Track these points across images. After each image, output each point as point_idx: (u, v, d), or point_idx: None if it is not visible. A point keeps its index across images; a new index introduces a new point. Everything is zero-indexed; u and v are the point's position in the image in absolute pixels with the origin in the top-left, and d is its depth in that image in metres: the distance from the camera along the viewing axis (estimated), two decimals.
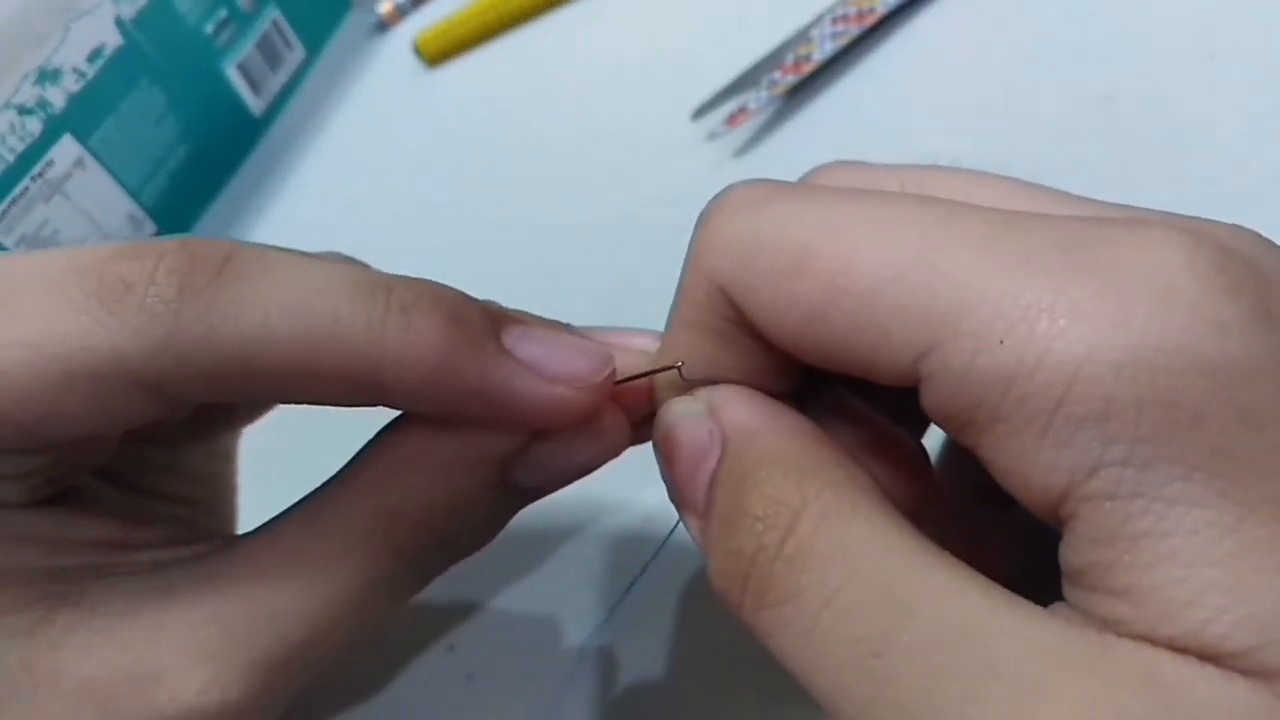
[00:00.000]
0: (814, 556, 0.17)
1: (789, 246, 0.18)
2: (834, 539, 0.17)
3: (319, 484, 0.22)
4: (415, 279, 0.20)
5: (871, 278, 0.17)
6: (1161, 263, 0.15)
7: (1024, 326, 0.15)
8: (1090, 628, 0.15)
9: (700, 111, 0.42)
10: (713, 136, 0.42)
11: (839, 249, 0.17)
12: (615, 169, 0.42)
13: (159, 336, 0.18)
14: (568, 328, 0.23)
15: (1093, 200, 0.19)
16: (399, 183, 0.44)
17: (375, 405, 0.20)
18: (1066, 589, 0.16)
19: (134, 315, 0.18)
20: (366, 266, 0.23)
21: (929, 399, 0.17)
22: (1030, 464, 0.16)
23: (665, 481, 0.21)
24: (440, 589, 0.23)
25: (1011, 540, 0.21)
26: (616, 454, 0.22)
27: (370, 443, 0.22)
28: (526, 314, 0.22)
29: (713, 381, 0.20)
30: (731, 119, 0.41)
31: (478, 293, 0.21)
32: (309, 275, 0.19)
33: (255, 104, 0.46)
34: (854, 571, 0.16)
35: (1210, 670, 0.15)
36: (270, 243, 0.20)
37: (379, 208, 0.44)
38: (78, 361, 0.18)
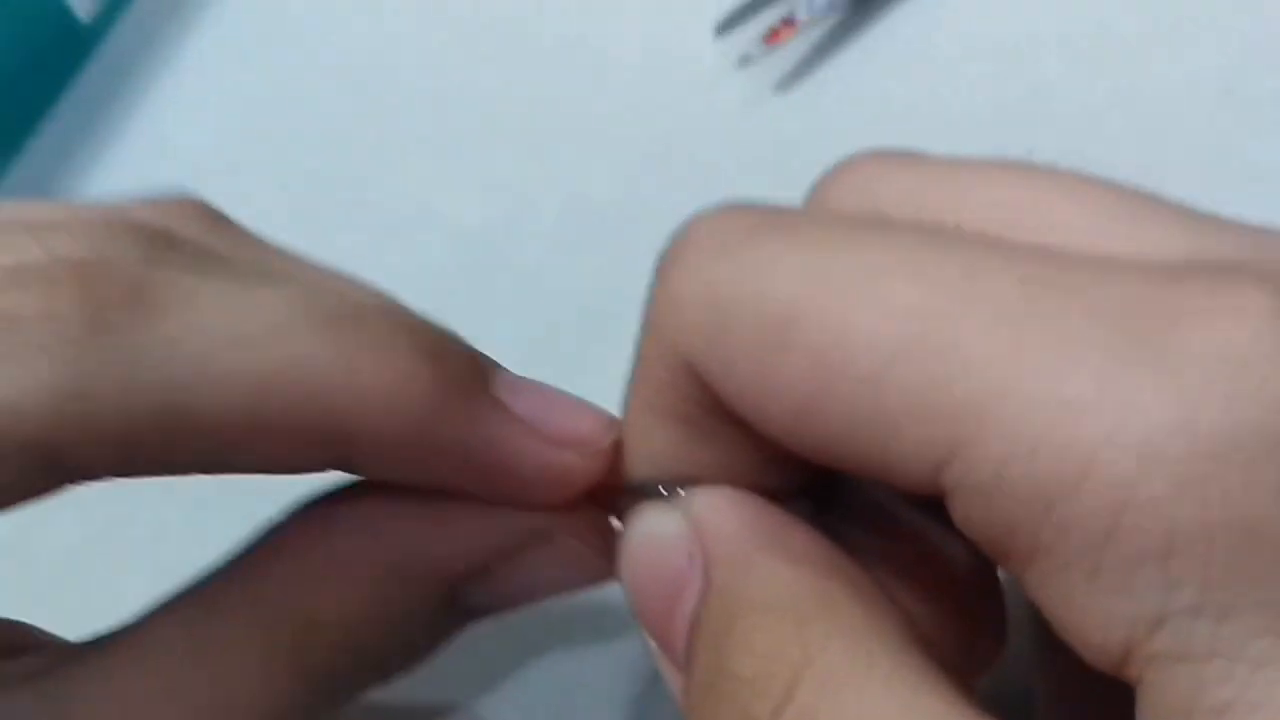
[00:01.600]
0: None
1: (771, 311, 0.16)
2: (840, 709, 0.15)
3: (191, 573, 0.19)
4: (385, 303, 0.19)
5: (870, 358, 0.15)
6: (1240, 341, 0.13)
7: (1062, 431, 0.14)
8: None
9: (726, 25, 0.36)
10: (745, 61, 0.35)
11: (831, 315, 0.15)
12: (606, 109, 0.36)
13: (63, 386, 0.16)
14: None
15: (1215, 220, 0.16)
16: (277, 107, 0.39)
17: (329, 469, 0.18)
18: None
19: (30, 359, 0.16)
20: (302, 267, 0.20)
21: (957, 518, 0.15)
22: (1082, 611, 0.14)
23: (634, 618, 0.19)
24: None
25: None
26: (604, 577, 0.20)
27: (274, 530, 0.20)
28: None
29: (692, 480, 0.18)
30: (770, 35, 0.35)
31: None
32: (251, 304, 0.17)
33: (82, 8, 0.42)
34: None
35: None
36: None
37: (254, 134, 0.39)
38: None
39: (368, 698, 0.20)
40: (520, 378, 0.20)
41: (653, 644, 0.18)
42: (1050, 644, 0.18)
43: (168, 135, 0.39)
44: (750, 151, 0.33)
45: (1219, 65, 0.33)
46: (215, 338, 0.17)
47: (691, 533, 0.18)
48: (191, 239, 0.19)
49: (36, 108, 0.40)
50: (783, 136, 0.34)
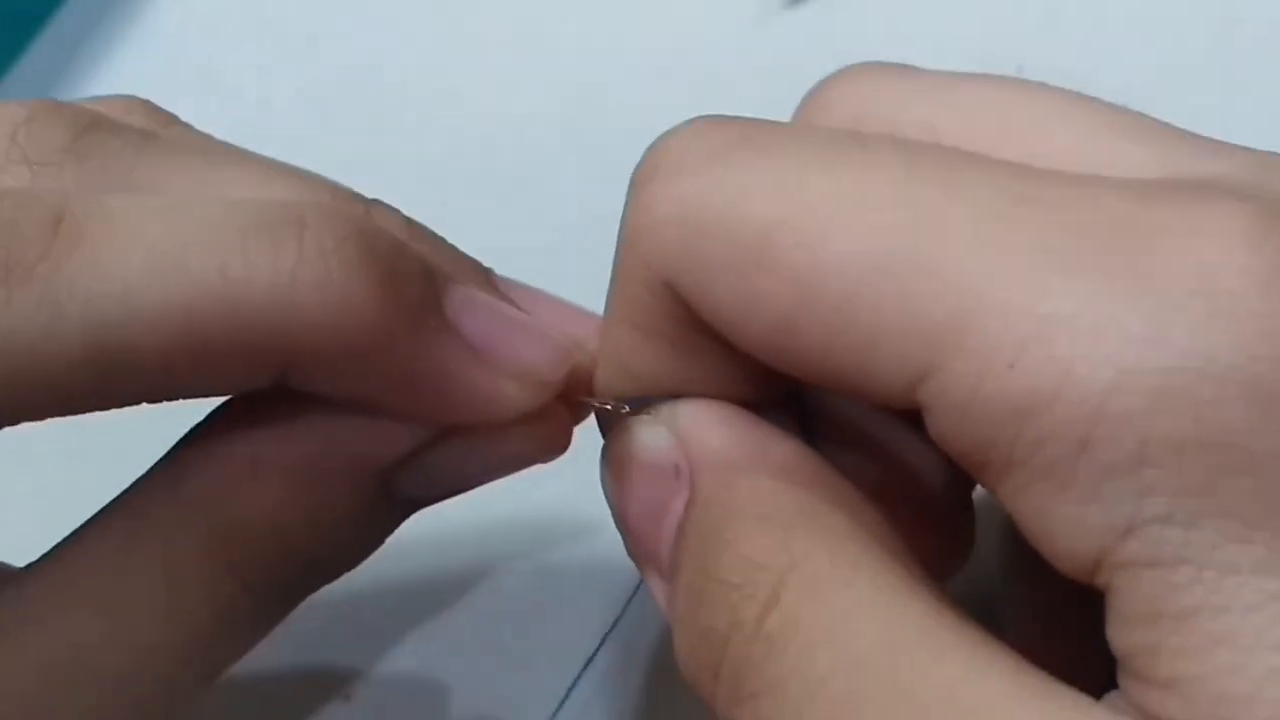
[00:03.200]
0: (799, 635, 0.15)
1: (747, 230, 0.16)
2: (825, 612, 0.15)
3: (110, 493, 0.19)
4: (330, 204, 0.18)
5: (847, 276, 0.15)
6: (1216, 257, 0.14)
7: (1039, 346, 0.14)
8: None
9: None
10: None
11: (808, 235, 0.15)
12: (618, 20, 0.36)
13: None
14: (489, 275, 0.20)
15: (1195, 137, 0.17)
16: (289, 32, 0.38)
17: (268, 385, 0.17)
18: (1119, 675, 0.15)
19: None
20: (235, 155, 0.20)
21: (933, 432, 0.15)
22: (1054, 521, 0.14)
23: (619, 528, 0.19)
24: (327, 618, 0.21)
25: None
26: (547, 460, 0.20)
27: (192, 434, 0.19)
28: (449, 247, 0.20)
29: (671, 395, 0.18)
30: None
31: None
32: (177, 220, 0.16)
33: None
34: (847, 654, 0.15)
35: None
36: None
37: (260, 62, 0.38)
38: None
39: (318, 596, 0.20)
40: (475, 294, 0.19)
41: (637, 554, 0.19)
42: (1023, 557, 0.18)
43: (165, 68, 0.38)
44: (761, 65, 0.33)
45: None
46: (140, 267, 0.16)
47: (678, 446, 0.18)
48: (131, 126, 0.18)
49: (13, 41, 0.38)
50: (793, 51, 0.33)
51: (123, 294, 0.15)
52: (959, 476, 0.19)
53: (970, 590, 0.20)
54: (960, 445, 0.15)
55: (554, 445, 0.20)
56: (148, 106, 0.20)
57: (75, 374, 0.16)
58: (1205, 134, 0.17)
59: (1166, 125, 0.17)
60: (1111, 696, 0.15)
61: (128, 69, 0.38)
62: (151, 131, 0.19)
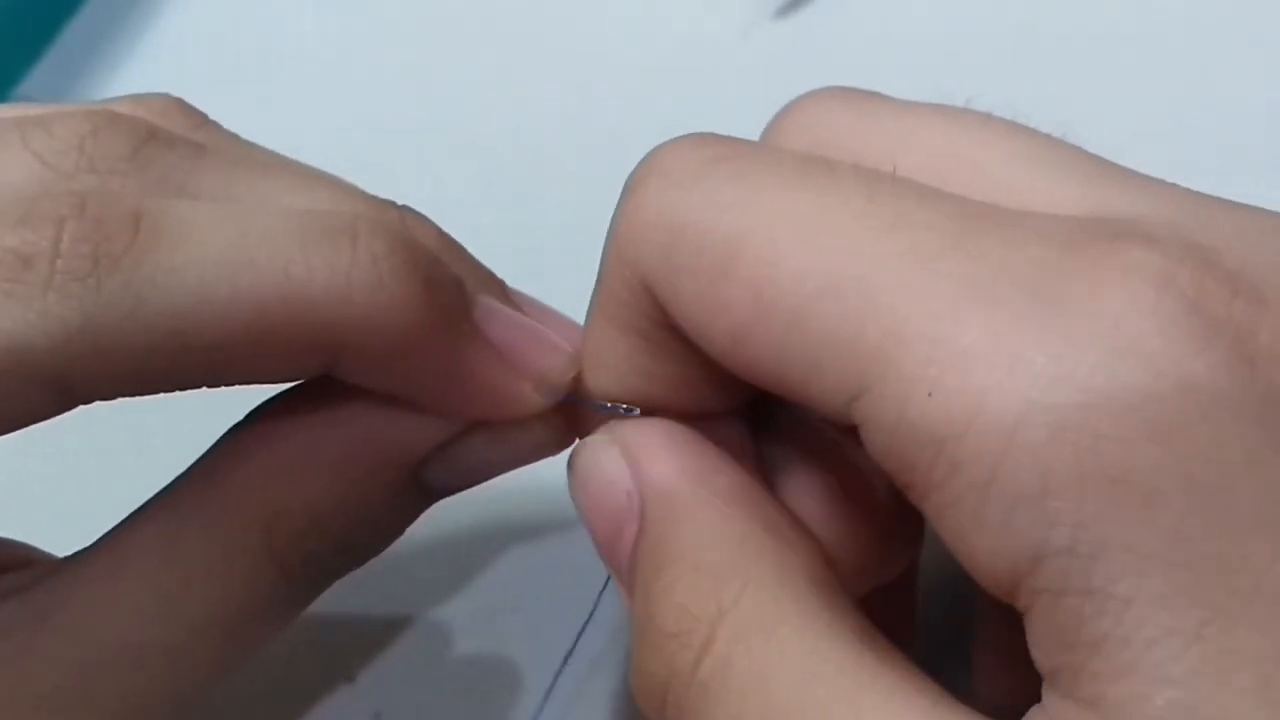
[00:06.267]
0: (730, 682, 0.16)
1: (716, 241, 0.16)
2: (752, 660, 0.16)
3: (161, 481, 0.19)
4: (375, 215, 0.19)
5: (800, 293, 0.16)
6: (1123, 300, 0.14)
7: (955, 376, 0.14)
8: None
9: None
10: None
11: (768, 250, 0.16)
12: (607, 28, 0.36)
13: (73, 321, 0.16)
14: (504, 286, 0.22)
15: (1123, 173, 0.17)
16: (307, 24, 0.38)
17: (314, 375, 0.19)
18: (1044, 689, 0.15)
19: (39, 297, 0.16)
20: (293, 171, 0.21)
21: (868, 448, 0.16)
22: (972, 544, 0.14)
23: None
24: (331, 601, 0.21)
25: None
26: (556, 453, 0.21)
27: (236, 430, 0.20)
28: (472, 258, 0.21)
29: (628, 408, 0.19)
30: None
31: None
32: (244, 224, 0.17)
33: None
34: (770, 701, 0.15)
35: None
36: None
37: (284, 56, 0.38)
38: None
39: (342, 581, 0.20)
40: (496, 305, 0.20)
41: (607, 565, 0.19)
42: None
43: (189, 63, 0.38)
44: (749, 75, 0.33)
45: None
46: (213, 264, 0.17)
47: (629, 471, 0.18)
48: (180, 136, 0.19)
49: (38, 35, 0.38)
50: (781, 61, 0.34)
51: (198, 286, 0.17)
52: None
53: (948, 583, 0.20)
54: (889, 464, 0.15)
55: (561, 440, 0.21)
56: (182, 106, 0.21)
57: (151, 356, 0.17)
58: (1143, 160, 0.17)
59: (1101, 161, 0.17)
60: (1033, 713, 0.15)
61: (145, 72, 0.38)
62: (200, 143, 0.20)
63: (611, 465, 0.19)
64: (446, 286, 0.19)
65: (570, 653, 0.25)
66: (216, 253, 0.17)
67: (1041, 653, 0.14)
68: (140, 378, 0.17)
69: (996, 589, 0.15)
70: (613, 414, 0.19)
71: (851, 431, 0.16)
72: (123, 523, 0.19)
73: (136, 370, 0.17)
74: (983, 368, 0.14)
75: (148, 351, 0.17)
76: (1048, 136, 0.18)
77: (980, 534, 0.14)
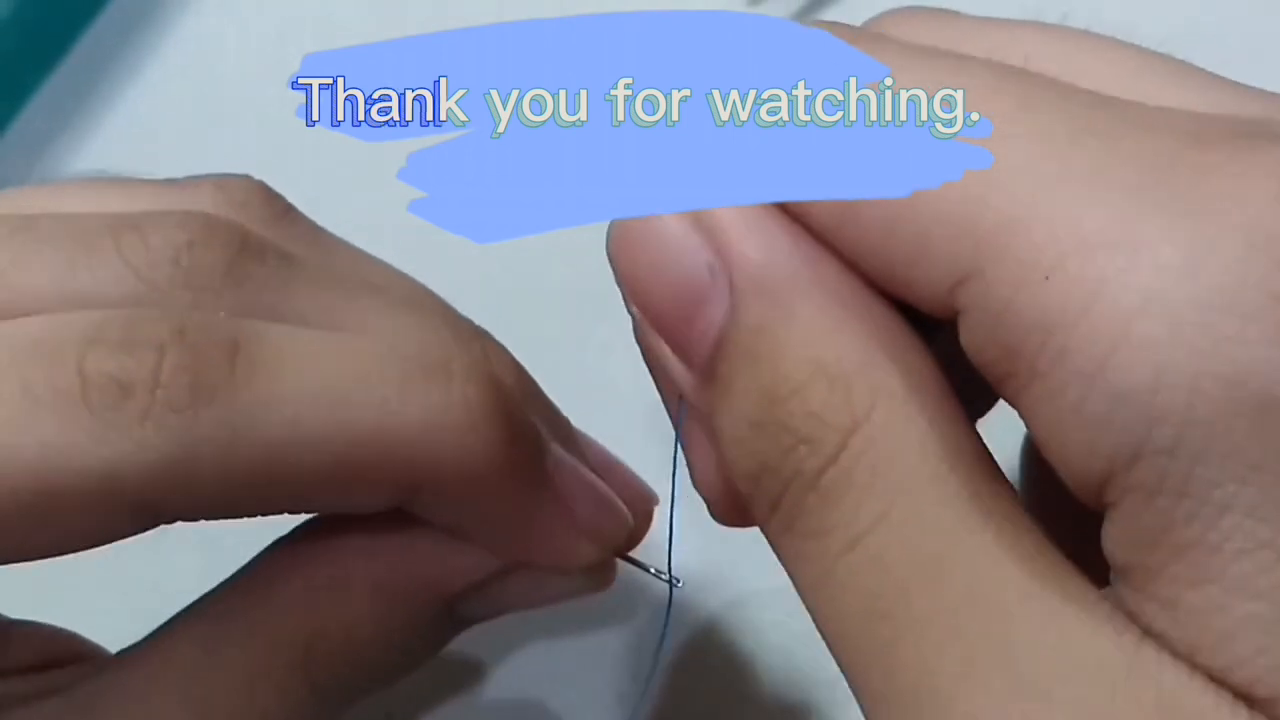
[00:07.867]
0: (851, 490, 0.15)
1: None
2: (877, 469, 0.15)
3: (203, 587, 0.20)
4: (468, 352, 0.19)
5: None
6: (1260, 199, 0.14)
7: (1075, 263, 0.14)
8: (1128, 633, 0.14)
9: None
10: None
11: None
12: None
13: (169, 452, 0.16)
14: (569, 427, 0.22)
15: (1238, 85, 0.16)
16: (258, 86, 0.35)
17: (388, 508, 0.18)
18: (1114, 579, 0.15)
19: (137, 426, 0.16)
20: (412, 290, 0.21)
21: (965, 338, 0.15)
22: (1068, 438, 0.14)
23: (627, 306, 0.17)
24: None
25: None
26: (590, 594, 0.21)
27: (281, 544, 0.20)
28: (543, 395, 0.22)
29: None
30: None
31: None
32: (339, 359, 0.17)
33: None
34: (888, 513, 0.15)
35: (1241, 713, 0.13)
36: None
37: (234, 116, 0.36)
38: (54, 483, 0.16)
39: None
40: (566, 457, 0.20)
41: (658, 336, 0.17)
42: (1037, 472, 0.19)
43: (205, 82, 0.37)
44: None
45: None
46: (308, 398, 0.17)
47: (708, 242, 0.17)
48: (270, 244, 0.19)
49: (45, 56, 0.38)
50: None
51: (293, 421, 0.17)
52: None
53: None
54: (989, 354, 0.15)
55: (601, 585, 0.21)
56: (264, 193, 0.20)
57: (239, 486, 0.17)
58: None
59: (1211, 73, 0.17)
60: (1106, 593, 0.15)
61: (148, 101, 0.37)
62: (288, 254, 0.19)
63: (684, 234, 0.17)
64: (528, 434, 0.19)
65: None
66: (313, 387, 0.17)
67: (1119, 549, 0.14)
68: (226, 506, 0.17)
69: (1084, 486, 0.14)
70: (654, 576, 0.20)
71: (943, 326, 0.16)
72: (165, 625, 0.19)
73: (224, 498, 0.17)
74: (1105, 255, 0.14)
75: (237, 482, 0.17)
76: (1155, 50, 0.17)
77: (1079, 426, 0.14)
